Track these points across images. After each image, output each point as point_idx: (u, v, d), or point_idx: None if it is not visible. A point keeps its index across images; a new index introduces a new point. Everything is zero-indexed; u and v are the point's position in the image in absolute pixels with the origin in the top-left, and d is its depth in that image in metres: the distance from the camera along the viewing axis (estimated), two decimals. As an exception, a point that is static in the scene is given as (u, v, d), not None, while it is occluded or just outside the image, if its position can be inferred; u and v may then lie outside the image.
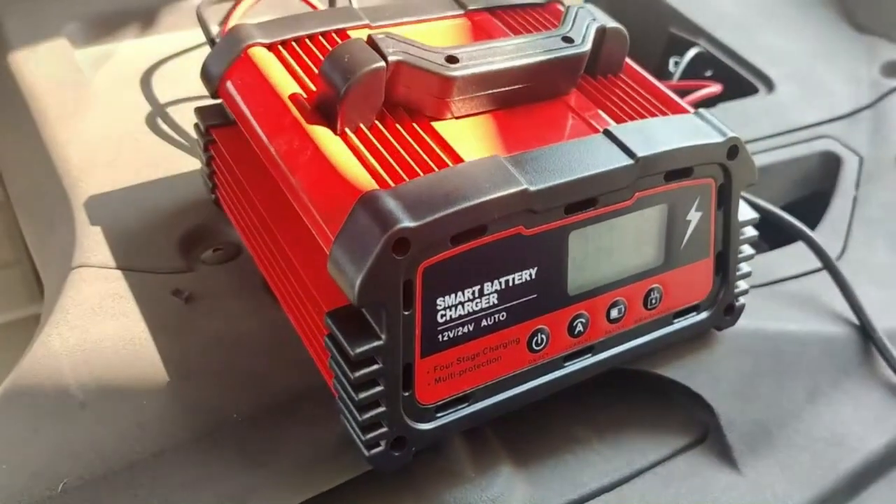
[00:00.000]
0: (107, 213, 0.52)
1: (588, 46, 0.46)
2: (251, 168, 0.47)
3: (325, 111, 0.42)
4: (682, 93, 0.74)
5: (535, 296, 0.42)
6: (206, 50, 0.68)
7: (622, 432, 0.49)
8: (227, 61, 0.46)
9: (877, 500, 0.47)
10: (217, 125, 0.49)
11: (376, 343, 0.37)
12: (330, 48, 0.47)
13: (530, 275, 0.41)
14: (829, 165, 0.71)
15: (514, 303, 0.41)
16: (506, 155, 0.40)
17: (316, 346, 0.42)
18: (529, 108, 0.45)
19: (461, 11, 0.52)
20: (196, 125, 0.51)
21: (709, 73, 0.82)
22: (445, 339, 0.40)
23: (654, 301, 0.46)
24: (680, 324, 0.48)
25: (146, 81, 0.64)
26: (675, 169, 0.44)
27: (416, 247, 0.36)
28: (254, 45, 0.46)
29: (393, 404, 0.39)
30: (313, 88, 0.44)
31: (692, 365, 0.50)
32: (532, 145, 0.41)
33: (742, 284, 0.50)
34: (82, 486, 0.40)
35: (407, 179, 0.39)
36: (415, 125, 0.42)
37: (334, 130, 0.42)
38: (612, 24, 0.48)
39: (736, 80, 0.79)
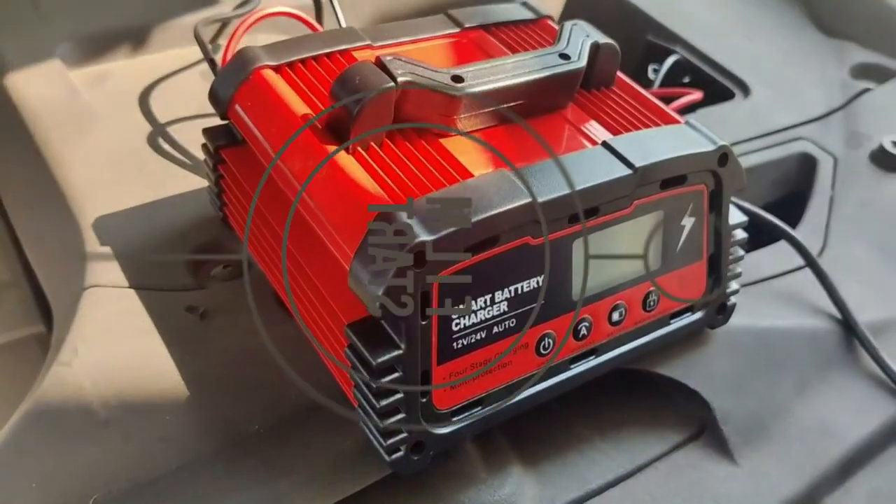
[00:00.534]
0: (115, 233, 0.54)
1: (584, 62, 0.48)
2: (264, 187, 0.48)
3: (337, 130, 0.44)
4: (665, 100, 0.76)
5: (542, 302, 0.44)
6: (202, 68, 0.69)
7: (624, 430, 0.51)
8: (236, 84, 0.48)
9: (865, 485, 0.50)
10: (225, 146, 0.51)
11: (396, 352, 0.39)
12: (335, 68, 0.48)
13: (537, 282, 0.43)
14: (806, 166, 0.73)
15: (523, 309, 0.43)
16: (511, 169, 0.42)
17: (334, 357, 0.43)
18: (530, 123, 0.47)
19: (457, 29, 0.54)
20: (204, 146, 0.52)
21: (686, 80, 0.84)
22: (460, 346, 0.41)
23: (652, 303, 0.48)
24: (676, 324, 0.51)
25: (144, 101, 0.65)
26: (670, 177, 0.46)
27: (432, 259, 0.38)
28: (262, 67, 0.48)
29: (412, 410, 0.41)
30: (322, 108, 0.46)
31: (688, 363, 0.52)
32: (534, 159, 0.43)
33: (733, 284, 0.53)
34: (111, 502, 0.41)
35: (419, 194, 0.40)
36: (423, 142, 0.44)
37: (346, 149, 0.43)
38: (604, 39, 0.50)
39: (713, 86, 0.82)
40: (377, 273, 0.38)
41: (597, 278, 0.45)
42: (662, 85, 0.82)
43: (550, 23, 0.56)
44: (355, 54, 0.50)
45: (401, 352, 0.39)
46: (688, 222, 0.48)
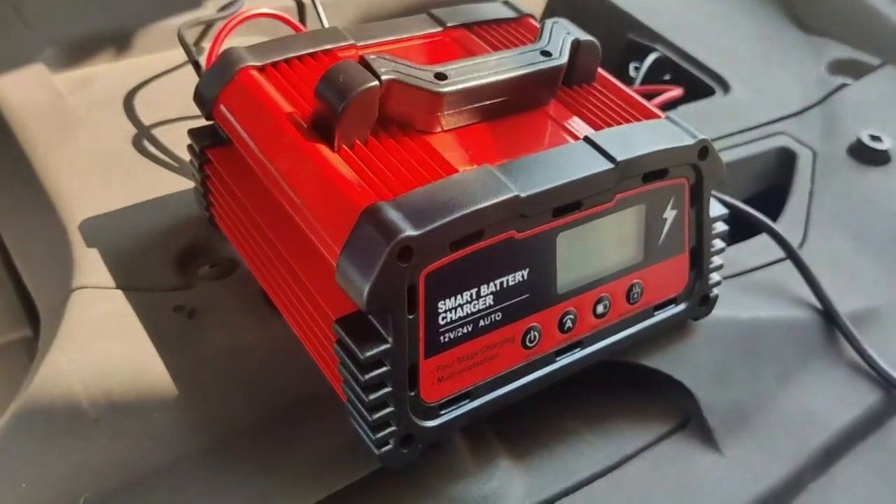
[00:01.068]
0: (102, 234, 0.54)
1: (565, 59, 0.48)
2: (248, 186, 0.49)
3: (322, 129, 0.44)
4: (646, 97, 0.77)
5: (527, 295, 0.44)
6: (186, 71, 0.70)
7: (610, 422, 0.52)
8: (221, 84, 0.48)
9: (847, 472, 0.51)
10: (211, 146, 0.51)
11: (384, 346, 0.40)
12: (320, 68, 0.49)
13: (522, 276, 0.43)
14: (785, 161, 0.74)
15: (509, 303, 0.44)
16: (495, 164, 0.43)
17: (323, 354, 0.44)
18: (513, 119, 0.48)
19: (440, 29, 0.54)
20: (190, 146, 0.52)
21: (667, 77, 0.85)
22: (447, 339, 0.42)
23: (635, 296, 0.49)
24: (660, 316, 0.51)
25: (128, 104, 0.65)
26: (651, 171, 0.47)
27: (418, 254, 0.39)
28: (246, 67, 0.48)
29: (400, 404, 0.41)
30: (308, 107, 0.46)
31: (673, 354, 0.53)
32: (518, 154, 0.44)
33: (715, 276, 0.53)
34: (102, 500, 0.41)
35: (404, 191, 0.41)
36: (408, 139, 0.45)
37: (331, 147, 0.44)
38: (585, 37, 0.50)
39: (693, 83, 0.83)
40: (364, 268, 0.38)
41: (581, 271, 0.46)
42: (644, 82, 0.83)
43: (532, 21, 0.57)
44: (339, 54, 0.50)
45: (388, 346, 0.40)
46: (670, 215, 0.49)
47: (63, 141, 0.61)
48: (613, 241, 0.47)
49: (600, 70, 0.53)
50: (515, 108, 0.48)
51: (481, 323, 0.43)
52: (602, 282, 0.47)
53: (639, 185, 0.47)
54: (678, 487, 0.48)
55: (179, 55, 0.67)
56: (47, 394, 0.45)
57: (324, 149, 0.43)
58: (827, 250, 0.65)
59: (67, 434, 0.44)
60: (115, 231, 0.54)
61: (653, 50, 0.86)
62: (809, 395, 0.54)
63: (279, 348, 0.47)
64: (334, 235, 0.40)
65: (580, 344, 0.48)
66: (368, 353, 0.39)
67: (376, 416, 0.41)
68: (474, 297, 0.42)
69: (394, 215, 0.39)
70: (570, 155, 0.44)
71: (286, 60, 0.49)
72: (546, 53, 0.48)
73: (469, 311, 0.42)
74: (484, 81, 0.46)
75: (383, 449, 0.42)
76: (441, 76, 0.45)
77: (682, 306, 0.52)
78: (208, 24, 0.72)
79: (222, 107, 0.48)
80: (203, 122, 0.51)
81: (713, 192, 0.60)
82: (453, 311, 0.42)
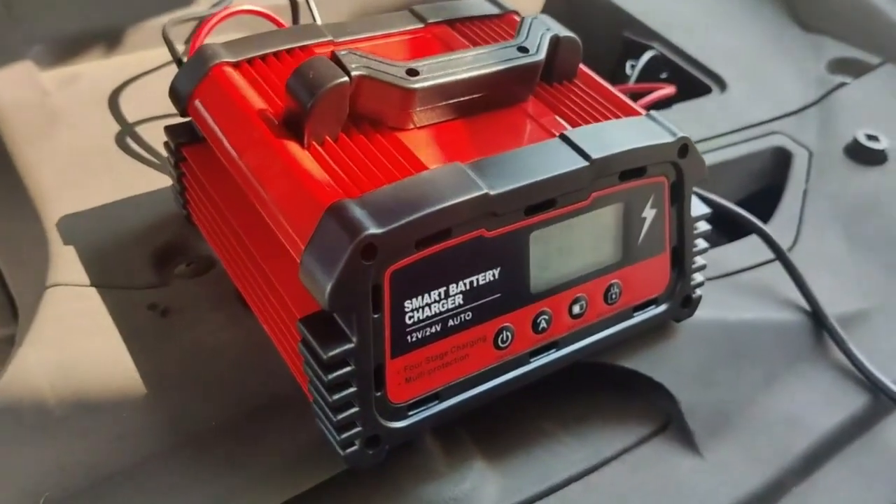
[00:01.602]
0: (79, 232, 0.54)
1: (542, 55, 0.48)
2: (222, 183, 0.48)
3: (293, 125, 0.44)
4: (638, 95, 0.76)
5: (499, 295, 0.43)
6: (173, 68, 0.69)
7: (588, 424, 0.51)
8: (195, 80, 0.48)
9: (831, 476, 0.50)
10: (187, 143, 0.51)
11: (348, 346, 0.39)
12: (295, 64, 0.48)
13: (494, 275, 0.43)
14: (781, 160, 0.73)
15: (480, 302, 0.43)
16: (467, 161, 0.42)
17: (290, 353, 0.43)
18: (489, 116, 0.47)
19: (421, 25, 0.54)
20: (166, 143, 0.52)
21: (664, 75, 0.84)
22: (414, 339, 0.41)
23: (613, 296, 0.48)
24: (640, 317, 0.51)
25: (113, 101, 0.65)
26: (629, 169, 0.46)
27: (383, 252, 0.38)
28: (221, 63, 0.48)
29: (366, 404, 0.41)
30: (280, 104, 0.46)
31: (653, 356, 0.52)
32: (492, 151, 0.43)
33: (698, 277, 0.52)
34: (65, 498, 0.41)
35: (372, 188, 0.40)
36: (379, 136, 0.44)
37: (301, 144, 0.43)
38: (565, 33, 0.50)
39: (690, 81, 0.82)
40: (327, 266, 0.38)
41: (556, 271, 0.45)
42: (640, 80, 0.83)
43: (516, 17, 0.56)
44: (316, 51, 0.50)
45: (353, 345, 0.39)
46: (649, 214, 0.48)
47: (45, 138, 0.61)
48: (589, 240, 0.46)
49: (582, 67, 0.52)
50: (491, 104, 0.47)
51: (450, 323, 0.42)
52: (578, 282, 0.47)
53: (616, 184, 0.46)
54: (656, 491, 0.48)
55: (167, 53, 0.66)
56: (16, 392, 0.45)
57: (293, 145, 0.43)
58: (819, 251, 0.64)
59: (34, 432, 0.44)
60: (92, 228, 0.54)
61: (649, 48, 0.85)
62: (794, 398, 0.53)
63: (251, 347, 0.47)
64: (300, 233, 0.40)
65: (555, 345, 0.47)
66: (331, 353, 0.39)
67: (341, 416, 0.40)
68: (443, 296, 0.42)
69: (358, 213, 0.38)
70: (544, 152, 0.44)
71: (262, 57, 0.49)
72: (523, 49, 0.47)
73: (437, 311, 0.42)
74: (457, 78, 0.45)
75: (348, 450, 0.41)
76: (413, 72, 0.44)
77: (663, 307, 0.51)
78: (201, 22, 0.72)
79: (197, 103, 0.48)
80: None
81: (701, 191, 0.60)
82: (420, 310, 0.41)
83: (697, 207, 0.51)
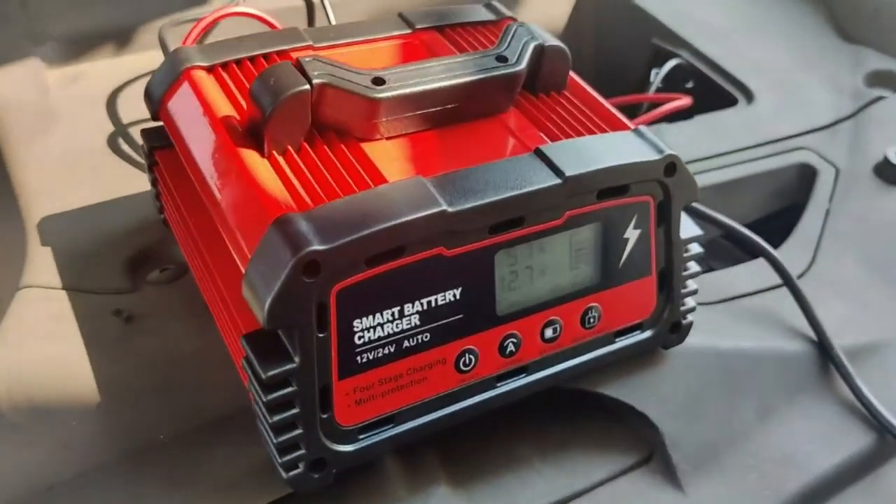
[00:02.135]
0: (58, 233, 0.53)
1: (522, 65, 0.45)
2: (187, 189, 0.47)
3: (255, 134, 0.42)
4: (655, 105, 0.73)
5: (460, 316, 0.41)
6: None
7: (566, 452, 0.48)
8: (166, 84, 0.47)
9: (826, 521, 0.47)
10: (160, 147, 0.50)
11: (289, 365, 0.38)
12: (269, 70, 0.47)
13: (454, 295, 0.41)
14: (805, 177, 0.70)
15: (439, 323, 0.41)
16: (431, 175, 0.40)
17: (240, 368, 0.42)
18: (464, 128, 0.45)
19: (409, 31, 0.52)
20: (142, 146, 0.51)
21: (689, 85, 0.81)
22: (364, 360, 0.40)
23: (592, 320, 0.46)
24: (623, 342, 0.48)
25: (111, 102, 0.65)
26: (608, 187, 0.43)
27: (327, 269, 0.37)
28: (192, 67, 0.47)
29: (310, 426, 0.39)
30: (246, 110, 0.44)
31: (637, 383, 0.49)
32: (461, 165, 0.41)
33: (689, 302, 0.50)
34: None
35: (327, 201, 0.39)
36: (343, 147, 0.43)
37: (261, 153, 0.42)
38: (551, 42, 0.47)
39: (716, 92, 0.79)
40: (267, 281, 0.36)
41: (525, 292, 0.43)
42: (663, 90, 0.79)
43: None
44: (294, 55, 0.48)
45: (294, 365, 0.38)
46: (632, 235, 0.45)
47: (39, 137, 0.60)
48: (564, 261, 0.44)
49: (574, 77, 0.50)
50: (467, 115, 0.45)
51: (406, 344, 0.40)
52: (551, 304, 0.44)
53: (594, 202, 0.43)
54: (631, 527, 0.45)
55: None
56: (-27, 396, 0.45)
57: (252, 154, 0.42)
58: (834, 276, 0.60)
59: None
60: (71, 230, 0.54)
61: (674, 56, 0.82)
62: (792, 434, 0.50)
63: (211, 360, 0.46)
64: (247, 245, 0.38)
65: (525, 369, 0.45)
66: (271, 373, 0.37)
67: (282, 438, 0.39)
68: (396, 316, 0.40)
69: (304, 227, 0.37)
70: (515, 168, 0.42)
71: (237, 61, 0.48)
72: (502, 59, 0.45)
73: (391, 331, 0.40)
74: (426, 88, 0.43)
75: (292, 473, 0.40)
76: (379, 81, 0.42)
77: (648, 333, 0.49)
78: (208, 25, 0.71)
79: (168, 106, 0.47)
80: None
81: (705, 209, 0.57)
82: (371, 330, 0.39)
83: (689, 229, 0.48)
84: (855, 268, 0.61)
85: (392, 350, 0.40)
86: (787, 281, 0.56)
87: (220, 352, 0.46)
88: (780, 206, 0.71)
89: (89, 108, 0.64)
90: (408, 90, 0.42)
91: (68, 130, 0.62)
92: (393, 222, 0.37)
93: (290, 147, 0.42)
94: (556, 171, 0.41)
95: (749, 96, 0.76)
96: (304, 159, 0.42)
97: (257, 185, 0.40)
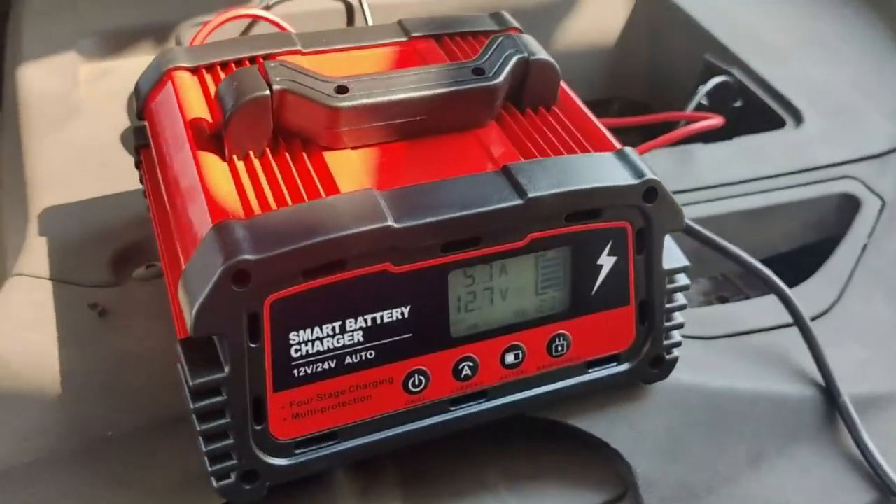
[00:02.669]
0: (57, 224, 0.54)
1: (500, 79, 0.44)
2: (159, 190, 0.47)
3: (219, 138, 0.42)
4: (685, 124, 0.70)
5: (409, 335, 0.40)
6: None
7: (536, 483, 0.46)
8: (151, 83, 0.47)
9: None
10: (146, 146, 0.50)
11: (218, 375, 0.37)
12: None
13: (402, 313, 0.40)
14: (847, 208, 0.65)
15: (385, 341, 0.40)
16: (389, 188, 0.39)
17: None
18: (435, 141, 0.44)
19: (405, 38, 0.51)
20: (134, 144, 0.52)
21: (738, 104, 0.77)
22: (302, 374, 0.39)
23: (560, 348, 0.44)
24: (596, 374, 0.45)
25: (132, 99, 0.66)
26: (577, 211, 0.41)
27: (258, 279, 0.36)
28: (175, 68, 0.47)
29: (242, 437, 0.38)
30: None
31: (613, 419, 0.47)
32: (424, 179, 0.40)
33: (675, 336, 0.47)
34: None
35: (274, 209, 0.38)
36: (304, 155, 0.42)
37: (222, 157, 0.41)
38: (539, 55, 0.45)
39: (765, 112, 0.75)
40: (197, 289, 0.36)
41: (483, 315, 0.41)
42: (708, 107, 0.76)
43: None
44: (280, 59, 0.48)
45: (223, 374, 0.37)
46: (606, 262, 0.43)
47: (58, 130, 0.62)
48: (529, 284, 0.42)
49: (568, 92, 0.48)
50: (441, 128, 0.44)
51: (348, 360, 0.39)
52: (512, 329, 0.42)
53: (562, 226, 0.41)
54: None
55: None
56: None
57: (213, 158, 0.41)
58: (860, 317, 0.56)
59: None
60: (67, 222, 0.55)
61: (723, 73, 0.78)
62: (783, 486, 0.46)
63: (173, 360, 0.45)
64: (189, 250, 0.38)
65: (484, 394, 0.43)
66: (199, 380, 0.37)
67: (212, 447, 0.38)
68: (338, 331, 0.39)
69: (240, 235, 0.36)
70: (475, 185, 0.40)
71: (222, 63, 0.48)
72: (478, 71, 0.44)
73: (331, 346, 0.39)
74: (391, 98, 0.42)
75: (222, 482, 0.39)
76: (342, 89, 0.41)
77: (626, 366, 0.46)
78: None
79: (151, 106, 0.47)
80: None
81: (716, 237, 0.54)
82: (310, 343, 0.38)
83: (674, 259, 0.45)
84: (884, 309, 0.56)
85: (333, 365, 0.39)
86: (797, 318, 0.52)
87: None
88: (817, 238, 0.66)
89: (110, 103, 0.66)
90: (371, 100, 0.41)
91: (86, 124, 0.63)
92: (332, 235, 0.36)
93: (252, 152, 0.42)
94: (519, 191, 0.40)
95: (798, 118, 0.72)
96: (263, 165, 0.41)
97: (207, 189, 0.39)
